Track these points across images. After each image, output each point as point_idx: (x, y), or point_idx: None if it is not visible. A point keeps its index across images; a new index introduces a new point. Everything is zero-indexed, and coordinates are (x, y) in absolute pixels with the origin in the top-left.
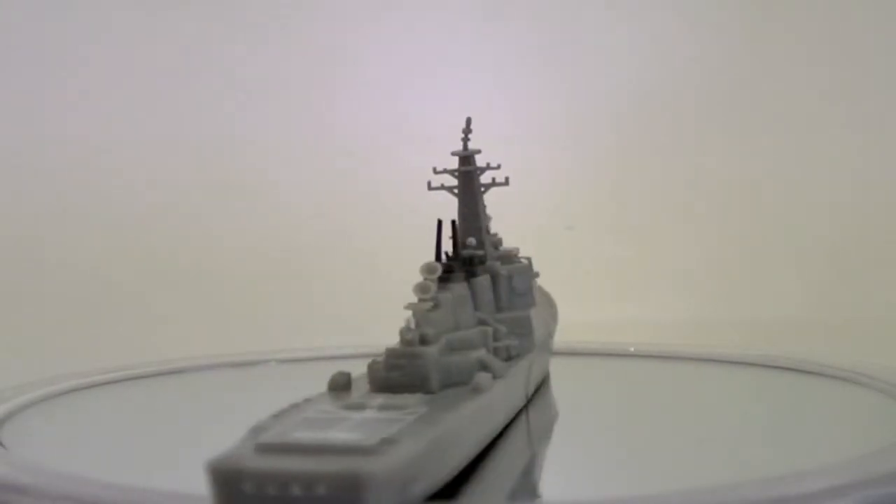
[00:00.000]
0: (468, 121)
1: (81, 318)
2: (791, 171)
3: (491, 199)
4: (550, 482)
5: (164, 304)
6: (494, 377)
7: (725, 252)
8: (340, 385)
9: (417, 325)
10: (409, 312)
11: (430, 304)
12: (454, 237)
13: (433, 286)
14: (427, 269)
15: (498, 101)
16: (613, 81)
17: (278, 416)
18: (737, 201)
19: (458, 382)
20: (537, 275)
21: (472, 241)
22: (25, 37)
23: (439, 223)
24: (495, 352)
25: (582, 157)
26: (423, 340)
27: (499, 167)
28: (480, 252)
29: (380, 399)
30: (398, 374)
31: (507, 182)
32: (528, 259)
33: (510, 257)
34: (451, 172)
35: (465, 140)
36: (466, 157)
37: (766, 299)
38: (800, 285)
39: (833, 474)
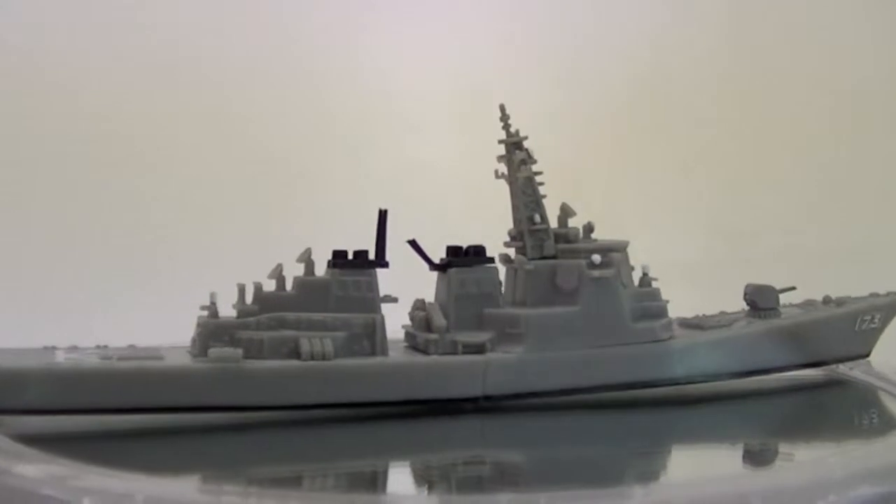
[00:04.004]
0: (502, 107)
1: None
2: None
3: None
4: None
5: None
6: (304, 359)
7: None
8: None
9: (241, 300)
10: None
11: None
12: (384, 228)
13: (282, 269)
14: (301, 256)
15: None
16: None
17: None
18: None
19: (269, 354)
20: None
21: (512, 231)
22: None
23: (379, 212)
24: (435, 344)
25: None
26: (241, 314)
27: (532, 156)
28: (518, 244)
29: (141, 352)
30: (196, 337)
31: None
32: (624, 255)
33: (586, 251)
34: (499, 159)
35: (505, 127)
36: (507, 145)
37: None
38: None
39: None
